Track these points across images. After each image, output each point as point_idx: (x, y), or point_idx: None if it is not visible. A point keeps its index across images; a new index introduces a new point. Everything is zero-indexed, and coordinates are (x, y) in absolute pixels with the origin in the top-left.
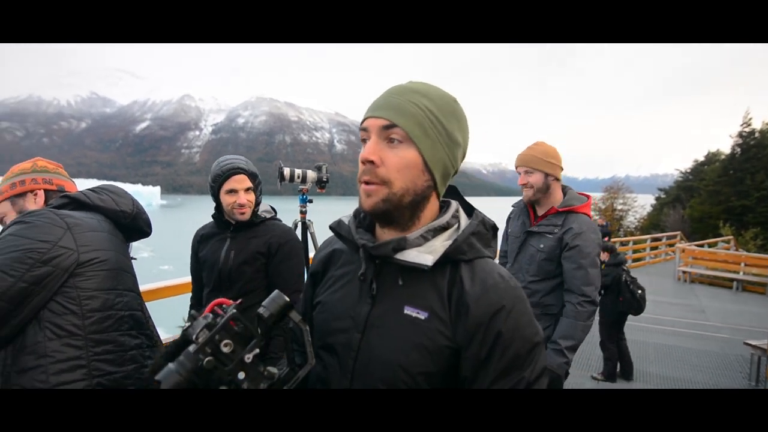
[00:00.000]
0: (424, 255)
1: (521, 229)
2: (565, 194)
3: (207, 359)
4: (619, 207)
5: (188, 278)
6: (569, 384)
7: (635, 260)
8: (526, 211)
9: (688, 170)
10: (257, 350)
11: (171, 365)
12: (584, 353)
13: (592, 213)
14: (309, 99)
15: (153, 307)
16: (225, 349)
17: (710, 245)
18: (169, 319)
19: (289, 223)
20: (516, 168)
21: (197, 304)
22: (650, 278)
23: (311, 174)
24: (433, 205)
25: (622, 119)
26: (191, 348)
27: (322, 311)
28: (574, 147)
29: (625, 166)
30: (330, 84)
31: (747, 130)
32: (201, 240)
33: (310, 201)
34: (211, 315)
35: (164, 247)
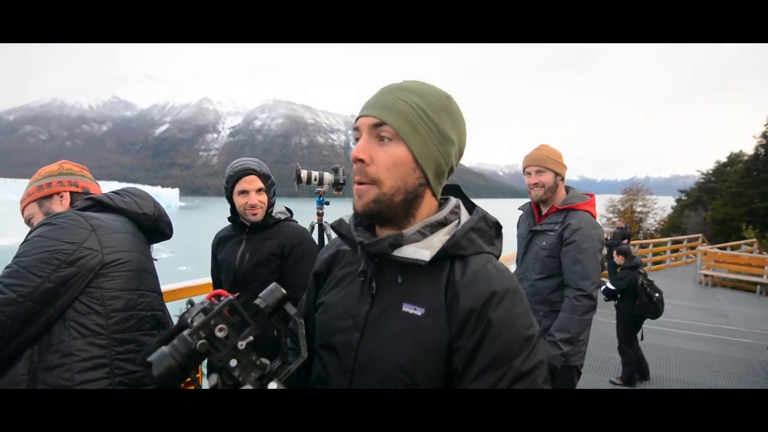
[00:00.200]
0: (422, 250)
1: (527, 229)
2: (567, 194)
3: (200, 342)
4: (639, 209)
5: (206, 279)
6: (586, 388)
7: (655, 263)
8: (532, 212)
9: (710, 171)
10: (251, 338)
11: (164, 348)
12: (602, 357)
13: (611, 215)
14: (325, 101)
15: (171, 308)
16: (219, 334)
17: (733, 248)
18: None
19: (306, 225)
20: (525, 169)
21: None
22: (671, 282)
23: (328, 176)
24: (429, 202)
25: (642, 120)
26: (186, 332)
27: (324, 311)
28: (593, 148)
29: (645, 167)
30: (346, 86)
31: None
32: (219, 242)
33: (327, 203)
34: (207, 302)
35: (183, 248)
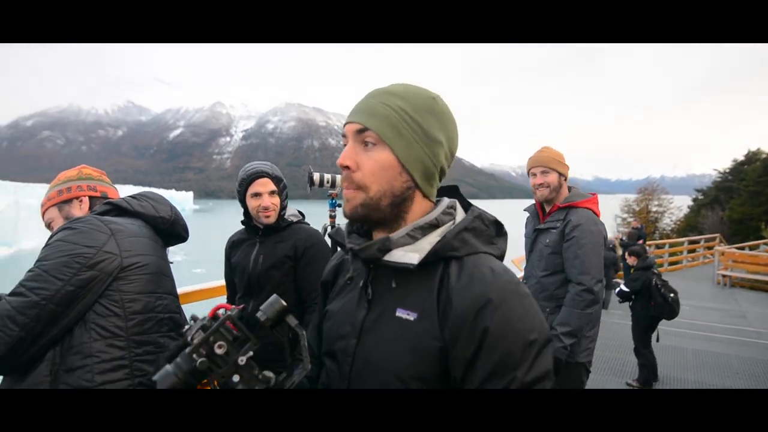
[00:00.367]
0: (410, 254)
1: (532, 229)
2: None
3: (200, 360)
4: (654, 209)
5: (220, 282)
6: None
7: (672, 263)
8: (536, 212)
9: (727, 170)
10: (251, 353)
11: (168, 366)
12: (618, 359)
13: (626, 215)
14: (337, 104)
15: (186, 310)
16: (219, 351)
17: (751, 248)
18: None
19: (319, 228)
20: (529, 170)
21: None
22: (688, 282)
23: (340, 179)
24: (420, 204)
25: (656, 118)
26: (187, 350)
27: (328, 319)
28: (607, 148)
29: (660, 166)
30: (357, 88)
31: None
32: (233, 246)
33: (339, 205)
34: (208, 318)
35: (197, 250)
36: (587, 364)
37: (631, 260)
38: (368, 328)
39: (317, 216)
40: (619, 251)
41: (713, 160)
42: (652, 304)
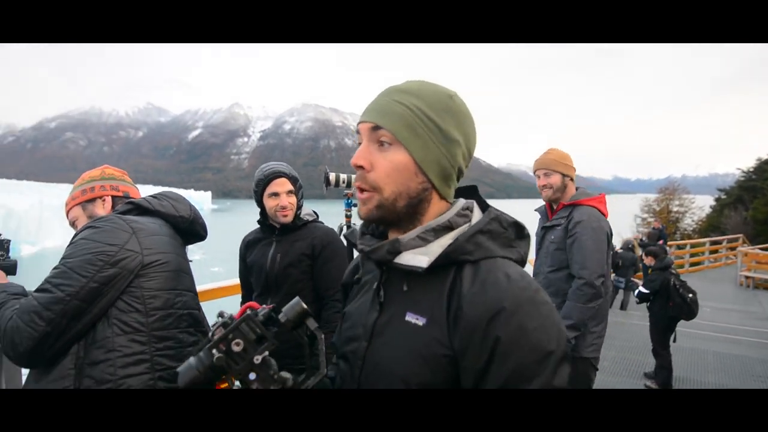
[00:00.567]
0: (419, 257)
1: (540, 227)
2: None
3: (218, 356)
4: (676, 209)
5: (238, 280)
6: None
7: (693, 264)
8: (545, 212)
9: (751, 169)
10: (266, 353)
11: (191, 359)
12: (636, 361)
13: (646, 215)
14: (353, 104)
15: (204, 307)
16: (236, 348)
17: None
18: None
19: (335, 227)
20: (534, 172)
21: None
22: (709, 284)
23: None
24: (437, 206)
25: (678, 117)
26: (207, 345)
27: (345, 320)
28: (627, 147)
29: (682, 165)
30: (374, 88)
31: None
32: (248, 246)
33: (355, 205)
34: (229, 315)
35: (215, 249)
36: (593, 360)
37: (648, 260)
38: (379, 332)
39: (333, 216)
40: (639, 251)
41: (737, 159)
42: (671, 305)
